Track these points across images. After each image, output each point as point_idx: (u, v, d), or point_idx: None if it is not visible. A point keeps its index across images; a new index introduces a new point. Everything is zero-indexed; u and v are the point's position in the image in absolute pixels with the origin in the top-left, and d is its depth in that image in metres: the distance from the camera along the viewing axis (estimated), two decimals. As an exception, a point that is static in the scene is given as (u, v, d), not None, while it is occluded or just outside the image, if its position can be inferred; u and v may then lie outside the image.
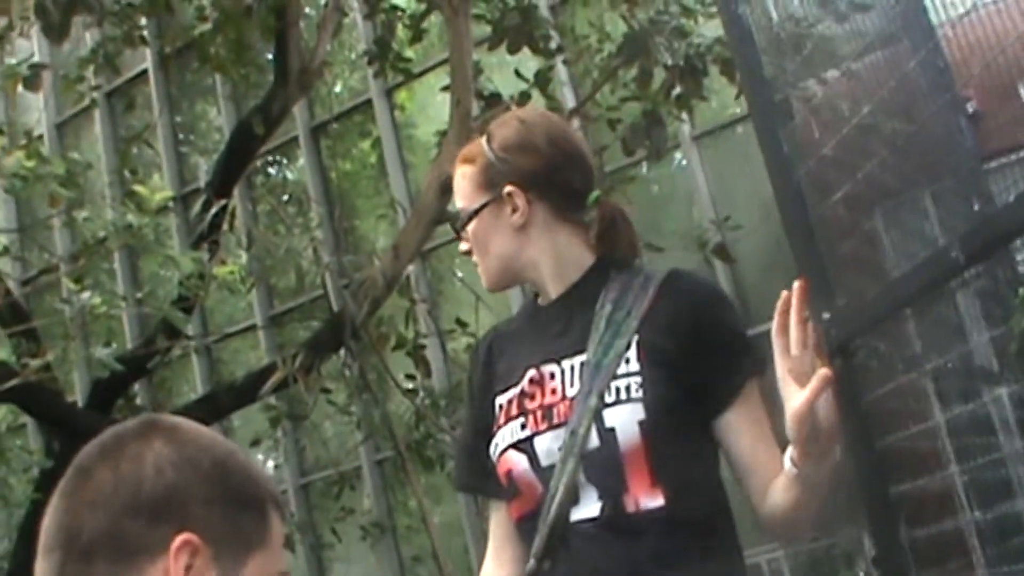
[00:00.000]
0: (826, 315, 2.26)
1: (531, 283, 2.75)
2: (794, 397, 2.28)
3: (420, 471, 11.66)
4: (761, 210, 10.05)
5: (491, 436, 2.67)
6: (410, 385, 10.93)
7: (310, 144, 15.15)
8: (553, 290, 2.70)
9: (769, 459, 2.50)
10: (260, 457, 13.74)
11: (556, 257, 2.69)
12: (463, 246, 2.79)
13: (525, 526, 2.58)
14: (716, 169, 12.32)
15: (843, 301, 2.26)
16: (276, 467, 14.28)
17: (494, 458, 2.64)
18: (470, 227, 2.73)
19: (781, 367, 2.32)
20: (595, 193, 2.74)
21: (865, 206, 2.37)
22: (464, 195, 2.75)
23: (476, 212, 2.71)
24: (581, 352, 2.58)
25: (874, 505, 2.28)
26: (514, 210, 2.67)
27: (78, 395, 13.71)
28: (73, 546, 1.55)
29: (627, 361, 2.52)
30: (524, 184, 2.67)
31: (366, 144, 15.16)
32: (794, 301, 2.30)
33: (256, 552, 1.62)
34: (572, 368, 2.58)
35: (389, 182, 14.25)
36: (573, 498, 2.50)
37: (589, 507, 2.49)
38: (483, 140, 2.76)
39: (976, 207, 2.23)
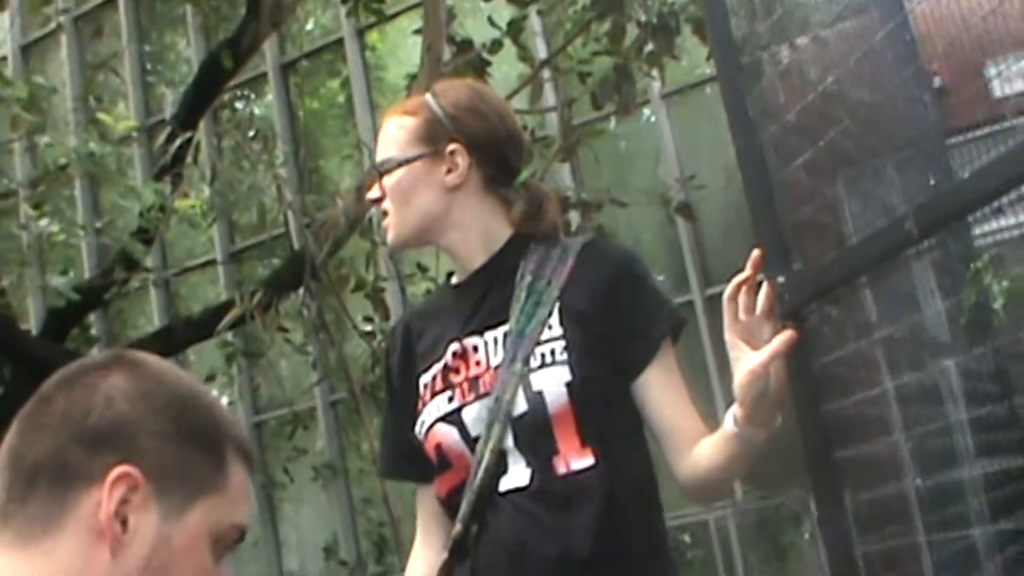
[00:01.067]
0: (781, 279, 2.28)
1: (446, 249, 2.74)
2: (747, 358, 2.29)
3: (374, 414, 11.68)
4: (725, 172, 10.07)
5: (415, 416, 2.66)
6: (368, 327, 10.93)
7: (279, 81, 15.06)
8: (472, 260, 2.70)
9: (687, 419, 2.55)
10: (215, 393, 13.72)
11: (480, 226, 2.69)
12: (373, 193, 2.76)
13: (455, 499, 2.57)
14: (683, 128, 12.33)
15: (799, 266, 2.29)
16: (230, 404, 14.26)
17: (421, 435, 2.64)
18: (393, 176, 2.69)
19: (730, 332, 2.34)
20: (525, 174, 2.77)
21: (826, 173, 2.40)
22: (396, 144, 2.71)
23: (409, 161, 2.67)
24: (503, 323, 2.58)
25: (818, 468, 2.31)
26: (450, 169, 2.66)
27: (32, 323, 13.64)
28: (19, 468, 1.56)
29: (550, 327, 2.53)
30: (469, 146, 2.66)
31: (335, 84, 15.09)
32: (747, 267, 2.32)
33: (207, 496, 1.60)
34: (495, 339, 2.59)
35: (356, 123, 14.20)
36: (501, 465, 2.50)
37: (518, 476, 2.49)
38: (429, 96, 2.75)
39: (932, 181, 2.26)
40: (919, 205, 1.94)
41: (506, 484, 2.49)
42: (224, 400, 14.22)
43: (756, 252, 2.32)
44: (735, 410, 2.39)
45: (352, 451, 13.81)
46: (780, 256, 2.32)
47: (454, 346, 2.63)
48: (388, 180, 2.70)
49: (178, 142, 9.48)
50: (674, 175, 11.37)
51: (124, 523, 1.52)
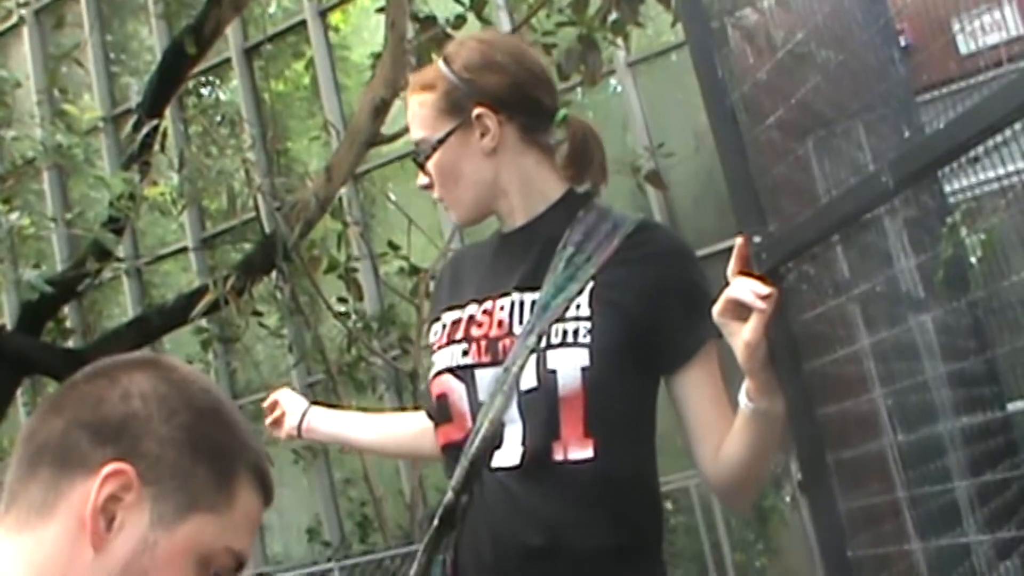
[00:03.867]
0: (757, 239, 2.28)
1: (499, 213, 2.66)
2: (742, 330, 2.26)
3: (352, 394, 11.69)
4: (694, 138, 10.10)
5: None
6: (342, 308, 10.95)
7: (243, 65, 15.02)
8: (519, 218, 2.62)
9: (722, 420, 2.46)
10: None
11: (524, 183, 2.61)
12: (422, 180, 2.67)
13: (449, 454, 2.54)
14: (650, 96, 12.33)
15: (774, 225, 2.29)
16: (207, 389, 14.20)
17: (431, 376, 2.60)
18: (434, 158, 2.61)
19: (717, 312, 2.30)
20: (562, 112, 2.66)
21: (798, 132, 2.39)
22: (425, 124, 2.61)
23: (443, 140, 2.58)
24: (535, 289, 2.51)
25: (801, 428, 2.31)
26: (484, 133, 2.56)
27: (7, 318, 13.61)
28: (29, 444, 1.56)
29: (578, 306, 2.45)
30: (494, 104, 2.56)
31: (300, 65, 15.05)
32: (734, 257, 2.29)
33: (204, 513, 1.56)
34: (523, 303, 2.52)
35: (322, 104, 14.17)
36: (497, 437, 2.45)
37: (510, 453, 2.43)
38: (441, 64, 2.64)
39: (907, 134, 2.27)
40: (895, 158, 1.94)
41: (497, 460, 2.44)
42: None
43: (740, 240, 2.31)
44: (746, 385, 2.36)
45: (332, 433, 13.79)
46: (756, 216, 2.32)
47: (484, 299, 2.58)
48: (430, 164, 2.62)
49: (145, 130, 9.48)
50: (643, 143, 11.37)
51: (112, 521, 1.50)
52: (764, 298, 2.21)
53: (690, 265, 2.57)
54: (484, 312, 2.57)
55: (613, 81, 12.55)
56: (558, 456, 2.40)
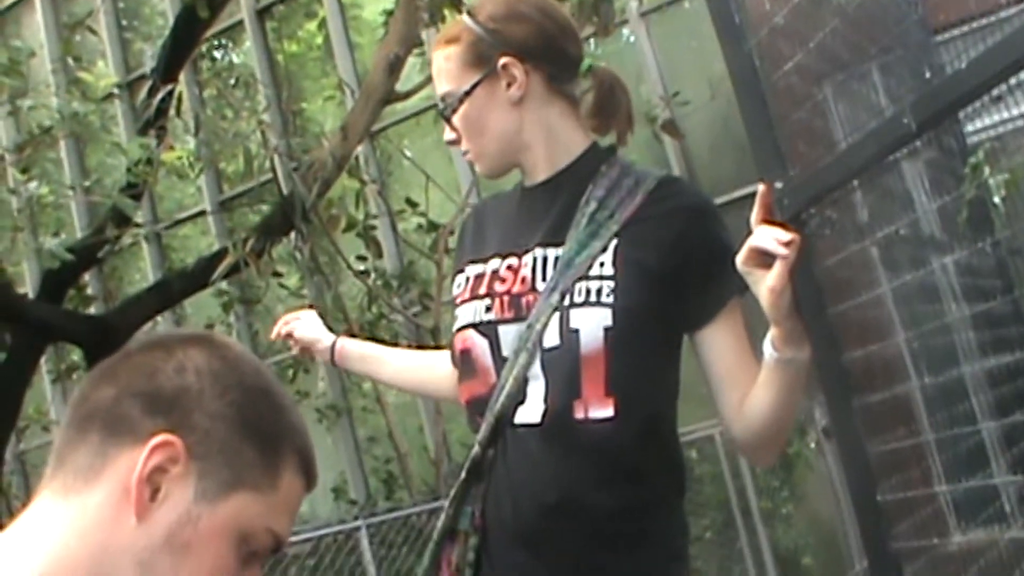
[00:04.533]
0: (779, 184, 2.27)
1: (523, 166, 2.65)
2: (766, 277, 2.23)
3: (374, 352, 11.69)
4: (709, 86, 10.04)
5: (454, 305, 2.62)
6: (361, 266, 10.95)
7: (255, 26, 14.95)
8: (541, 172, 2.62)
9: (747, 374, 2.46)
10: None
11: (549, 136, 2.60)
12: (448, 135, 2.67)
13: (474, 408, 2.55)
14: (664, 45, 12.25)
15: (795, 171, 2.27)
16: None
17: (454, 330, 2.60)
18: (460, 111, 2.60)
19: (740, 260, 2.27)
20: (587, 61, 2.64)
21: (816, 77, 2.38)
22: (450, 77, 2.61)
23: (469, 92, 2.58)
24: (558, 244, 2.51)
25: (828, 373, 2.31)
26: (510, 83, 2.56)
27: (28, 287, 13.64)
28: (79, 410, 1.57)
29: (601, 264, 2.45)
30: (520, 53, 2.55)
31: (312, 25, 14.98)
32: (757, 205, 2.26)
33: (248, 492, 1.57)
34: (546, 259, 2.51)
35: (336, 63, 14.13)
36: (520, 393, 2.45)
37: (532, 410, 2.44)
38: (465, 17, 2.63)
39: (928, 75, 2.25)
40: (917, 99, 1.92)
41: (520, 416, 2.44)
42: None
43: (763, 187, 2.28)
44: (771, 334, 2.34)
45: (354, 391, 13.82)
46: (776, 162, 2.31)
47: (508, 255, 2.58)
48: (456, 117, 2.61)
49: (160, 95, 9.47)
50: (658, 93, 11.31)
51: (156, 491, 1.52)
52: (787, 245, 2.19)
53: (713, 221, 2.54)
54: (508, 268, 2.56)
55: (626, 31, 12.48)
56: (579, 415, 2.40)
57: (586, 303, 2.43)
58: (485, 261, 2.62)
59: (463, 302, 2.61)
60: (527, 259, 2.54)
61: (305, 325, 3.17)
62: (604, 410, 2.40)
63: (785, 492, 10.67)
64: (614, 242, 2.47)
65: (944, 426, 2.55)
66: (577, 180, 2.57)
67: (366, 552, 8.10)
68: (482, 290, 2.57)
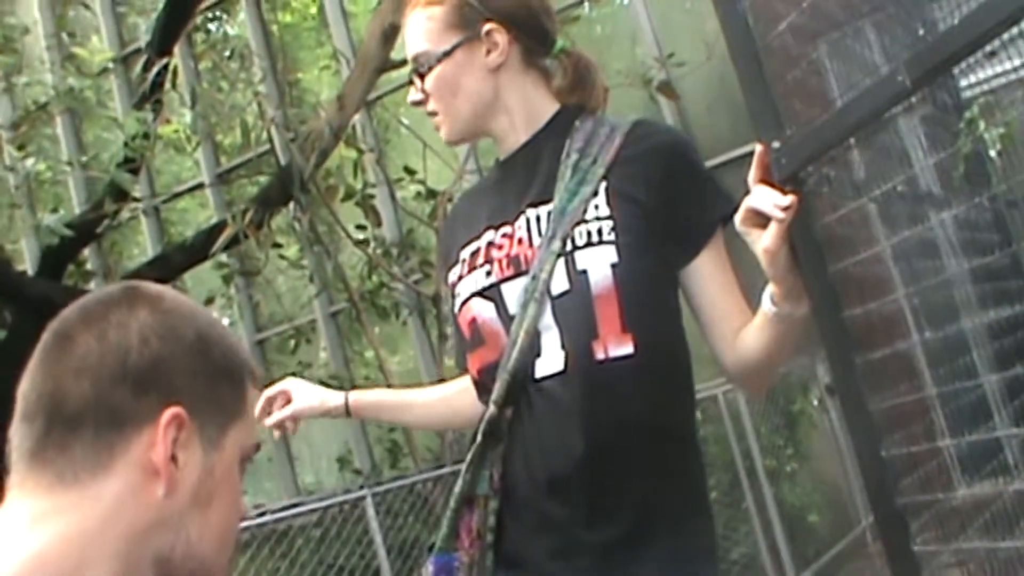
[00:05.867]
0: (776, 144, 2.27)
1: (494, 134, 2.68)
2: (763, 237, 2.28)
3: (375, 321, 11.73)
4: (704, 46, 10.02)
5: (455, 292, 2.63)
6: (361, 235, 10.95)
7: (249, -2, 14.94)
8: (517, 138, 2.65)
9: (736, 306, 2.53)
10: (215, 315, 13.72)
11: (525, 102, 2.64)
12: (414, 96, 2.69)
13: (487, 378, 2.54)
14: (658, 6, 12.22)
15: (792, 130, 2.28)
16: (231, 324, 14.30)
17: (457, 309, 2.61)
18: (436, 71, 2.62)
19: (738, 221, 2.33)
20: (561, 42, 2.68)
21: (809, 35, 2.38)
22: (430, 37, 2.62)
23: (449, 52, 2.60)
24: (548, 201, 2.53)
25: (829, 330, 2.31)
26: (490, 50, 2.60)
27: (27, 264, 13.64)
28: (58, 413, 1.56)
29: (596, 207, 2.47)
30: (505, 22, 2.59)
31: (306, -4, 14.96)
32: (755, 165, 2.31)
33: (235, 424, 1.66)
34: (538, 217, 2.53)
35: (331, 33, 14.10)
36: (535, 347, 2.45)
37: (552, 360, 2.44)
38: None
39: (921, 31, 2.25)
40: (911, 56, 1.93)
41: (541, 369, 2.44)
42: (225, 320, 14.30)
43: (760, 148, 2.31)
44: (770, 289, 2.38)
45: (356, 360, 13.84)
46: (773, 121, 2.31)
47: (500, 224, 2.60)
48: (429, 76, 2.63)
49: (155, 69, 9.46)
50: (653, 55, 11.29)
51: (173, 461, 1.57)
52: (784, 209, 2.23)
53: (692, 152, 2.61)
54: (503, 235, 2.58)
55: (621, -7, 12.46)
56: (599, 355, 2.41)
57: (589, 244, 2.44)
58: (478, 237, 2.63)
59: (462, 278, 2.62)
60: (520, 222, 2.56)
61: (300, 397, 3.10)
62: (624, 347, 2.41)
63: (790, 450, 10.70)
64: (603, 184, 2.50)
65: (946, 380, 2.56)
66: (554, 139, 2.61)
67: (372, 521, 8.11)
68: (480, 260, 2.59)
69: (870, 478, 2.31)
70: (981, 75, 2.18)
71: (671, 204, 2.49)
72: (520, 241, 2.54)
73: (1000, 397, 2.78)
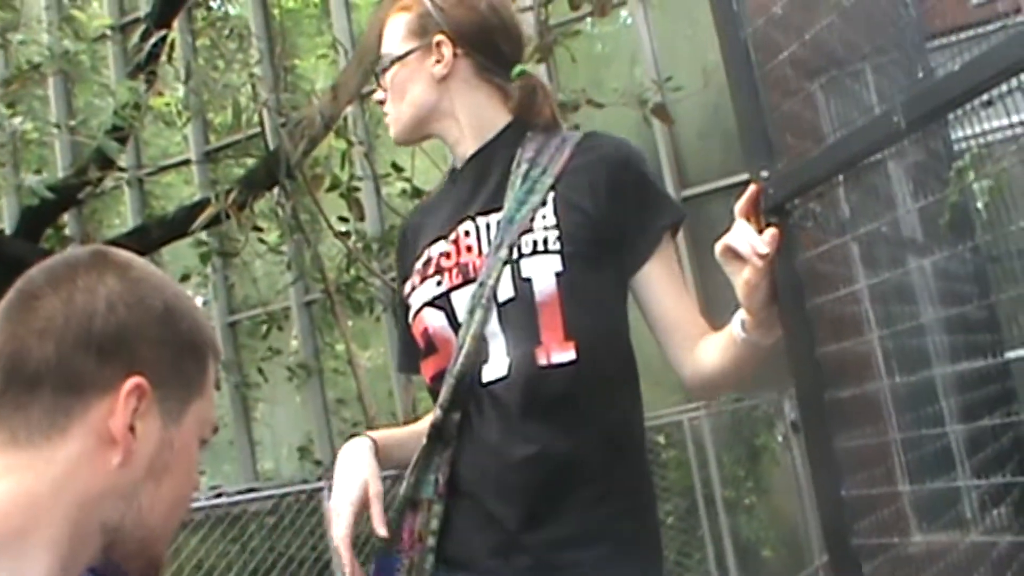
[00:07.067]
0: (764, 173, 2.28)
1: (443, 139, 2.76)
2: (744, 270, 2.31)
3: (349, 314, 11.71)
4: (702, 74, 10.05)
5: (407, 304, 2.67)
6: (343, 227, 10.93)
7: (253, -21, 14.92)
8: (468, 147, 2.72)
9: (688, 315, 2.59)
10: (189, 293, 13.69)
11: (474, 113, 2.72)
12: (378, 94, 2.82)
13: (438, 385, 2.57)
14: (660, 30, 12.26)
15: (783, 161, 2.28)
16: (205, 303, 14.27)
17: (411, 319, 2.65)
18: (390, 72, 2.76)
19: (719, 250, 2.36)
20: (520, 67, 2.76)
21: (809, 70, 2.38)
22: (393, 40, 2.78)
23: (401, 57, 2.73)
24: (498, 210, 2.59)
25: (801, 366, 2.31)
26: (438, 60, 2.70)
27: (6, 223, 13.60)
28: (17, 372, 1.55)
29: (544, 216, 2.53)
30: (455, 36, 2.70)
31: (310, -18, 14.96)
32: (744, 198, 2.34)
33: (196, 399, 1.66)
34: (488, 225, 2.59)
35: (332, 22, 14.09)
36: (482, 352, 2.50)
37: (497, 366, 2.48)
38: None
39: (921, 74, 2.25)
40: (908, 98, 1.93)
41: (488, 374, 2.49)
42: (199, 299, 14.26)
43: (754, 187, 2.33)
44: (743, 315, 2.42)
45: (327, 351, 13.84)
46: (764, 151, 2.31)
47: (449, 233, 2.64)
48: (386, 77, 2.78)
49: (152, 40, 9.43)
50: (651, 77, 11.31)
51: (131, 431, 1.56)
52: (762, 257, 2.27)
53: (639, 162, 2.66)
54: (452, 242, 2.63)
55: (624, 13, 12.48)
56: (542, 361, 2.45)
57: (535, 252, 2.50)
58: (430, 246, 2.68)
59: (414, 289, 2.66)
60: (468, 227, 2.62)
61: (373, 483, 2.60)
62: (566, 353, 2.46)
63: (750, 483, 10.72)
64: (551, 194, 2.57)
65: (912, 426, 2.56)
66: (505, 149, 2.69)
67: (327, 513, 8.10)
68: (431, 271, 2.63)
69: (828, 516, 2.31)
70: (974, 128, 2.18)
71: (617, 213, 2.55)
72: (469, 249, 2.59)
73: (964, 448, 2.78)
